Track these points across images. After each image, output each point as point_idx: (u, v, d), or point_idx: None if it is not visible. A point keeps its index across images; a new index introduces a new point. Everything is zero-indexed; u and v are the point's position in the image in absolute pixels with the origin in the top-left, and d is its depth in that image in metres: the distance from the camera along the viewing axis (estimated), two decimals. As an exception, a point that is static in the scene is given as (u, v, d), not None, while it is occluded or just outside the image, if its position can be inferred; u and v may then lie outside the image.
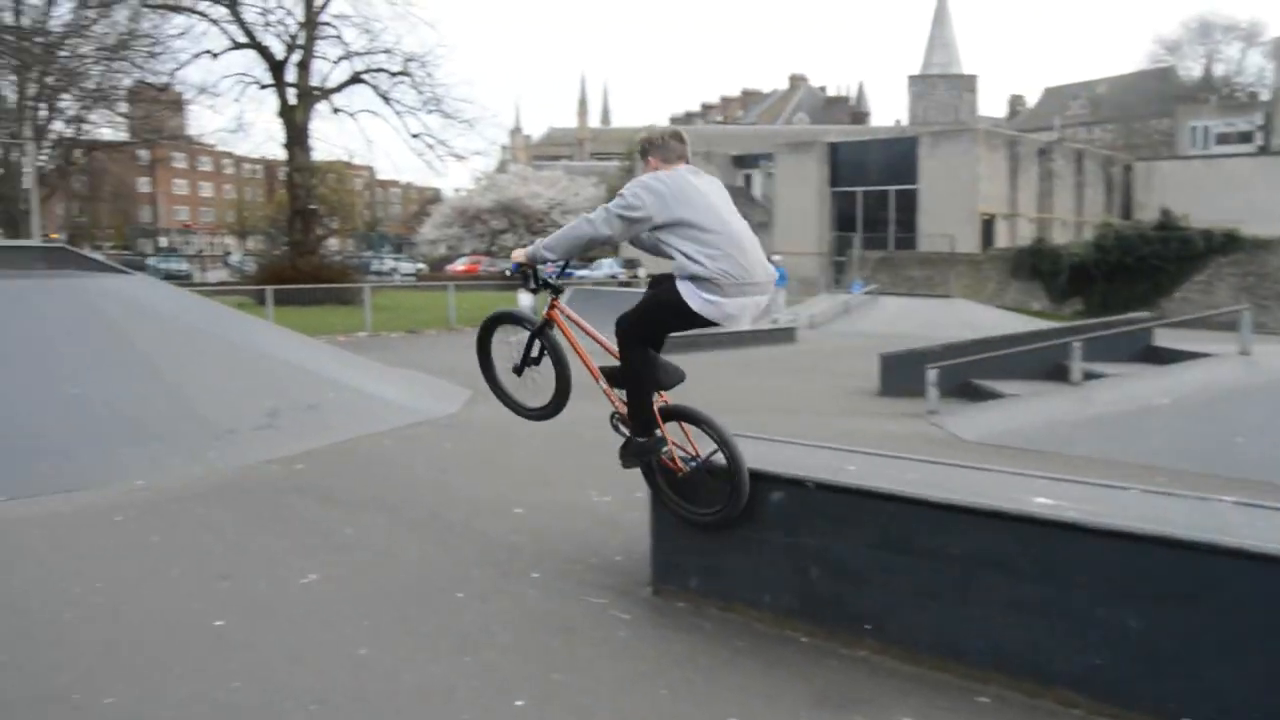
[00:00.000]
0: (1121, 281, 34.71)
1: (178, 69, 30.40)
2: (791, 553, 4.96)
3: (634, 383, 4.93)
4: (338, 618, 4.95)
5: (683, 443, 5.10)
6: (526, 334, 5.36)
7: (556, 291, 5.20)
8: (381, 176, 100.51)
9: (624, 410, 5.09)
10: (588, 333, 5.22)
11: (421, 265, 64.53)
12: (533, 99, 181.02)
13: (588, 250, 4.99)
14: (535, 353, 5.38)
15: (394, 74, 31.25)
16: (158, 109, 37.74)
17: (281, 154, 32.49)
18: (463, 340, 21.84)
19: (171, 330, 10.80)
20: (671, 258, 4.59)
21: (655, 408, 4.99)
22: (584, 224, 4.63)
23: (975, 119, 66.94)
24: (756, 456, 5.35)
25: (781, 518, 4.98)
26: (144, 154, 61.32)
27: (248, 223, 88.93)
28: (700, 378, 15.07)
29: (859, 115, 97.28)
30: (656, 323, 4.86)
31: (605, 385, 5.13)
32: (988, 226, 47.10)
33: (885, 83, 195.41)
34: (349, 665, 4.38)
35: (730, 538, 5.15)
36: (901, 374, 14.42)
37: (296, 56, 30.46)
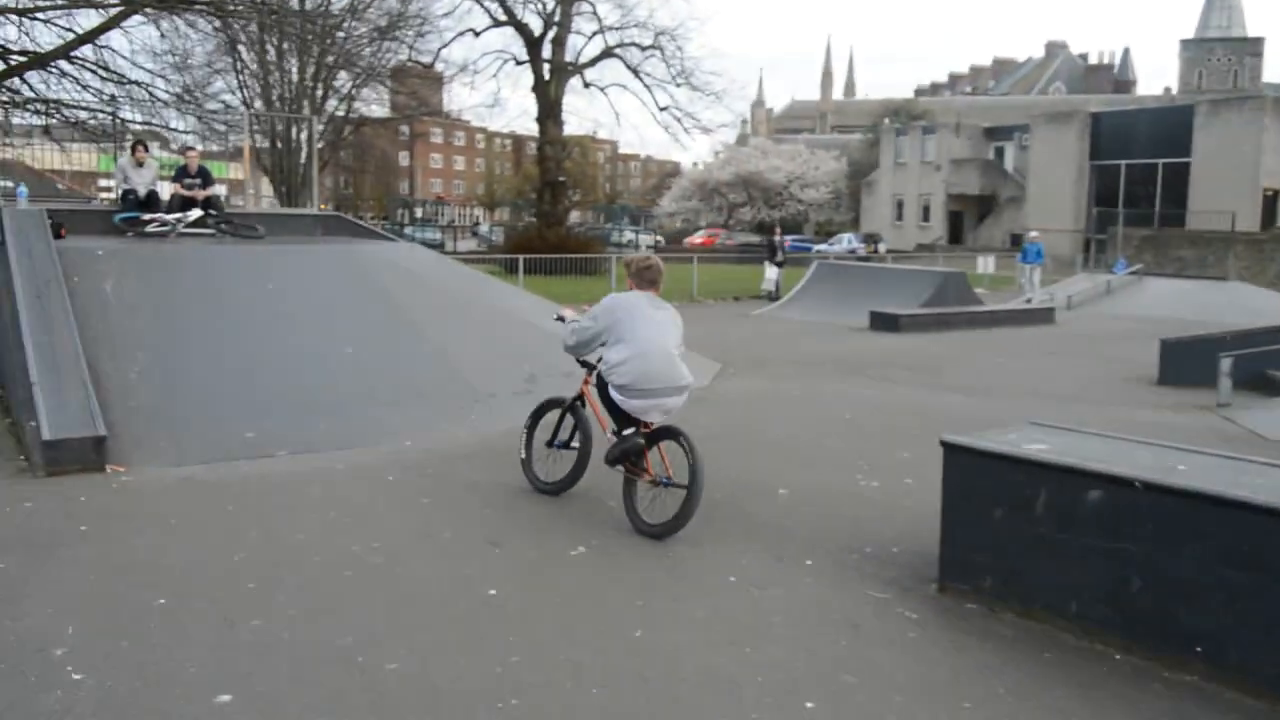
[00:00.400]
0: None
1: (443, 47, 31.64)
2: (1109, 559, 4.40)
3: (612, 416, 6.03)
4: (610, 595, 4.79)
5: (658, 464, 5.84)
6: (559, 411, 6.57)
7: (591, 368, 6.28)
8: (622, 151, 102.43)
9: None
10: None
11: (659, 237, 65.10)
12: (775, 71, 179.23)
13: (581, 352, 6.27)
14: (567, 435, 6.47)
15: (645, 48, 31.44)
16: (423, 85, 39.60)
17: (532, 128, 33.43)
18: (706, 313, 21.77)
19: (436, 295, 11.11)
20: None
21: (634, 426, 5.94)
22: (569, 335, 6.18)
23: (1259, 86, 61.18)
24: (1065, 449, 4.81)
25: (1099, 520, 4.43)
26: (404, 129, 64.69)
27: (496, 195, 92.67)
28: (960, 358, 14.42)
29: (1123, 84, 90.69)
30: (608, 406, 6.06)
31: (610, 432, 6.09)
32: (1270, 203, 42.89)
33: (1154, 48, 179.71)
34: (626, 647, 4.19)
35: (1034, 537, 4.65)
36: (1184, 362, 13.16)
37: (552, 33, 31.11)
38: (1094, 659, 4.28)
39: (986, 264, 32.73)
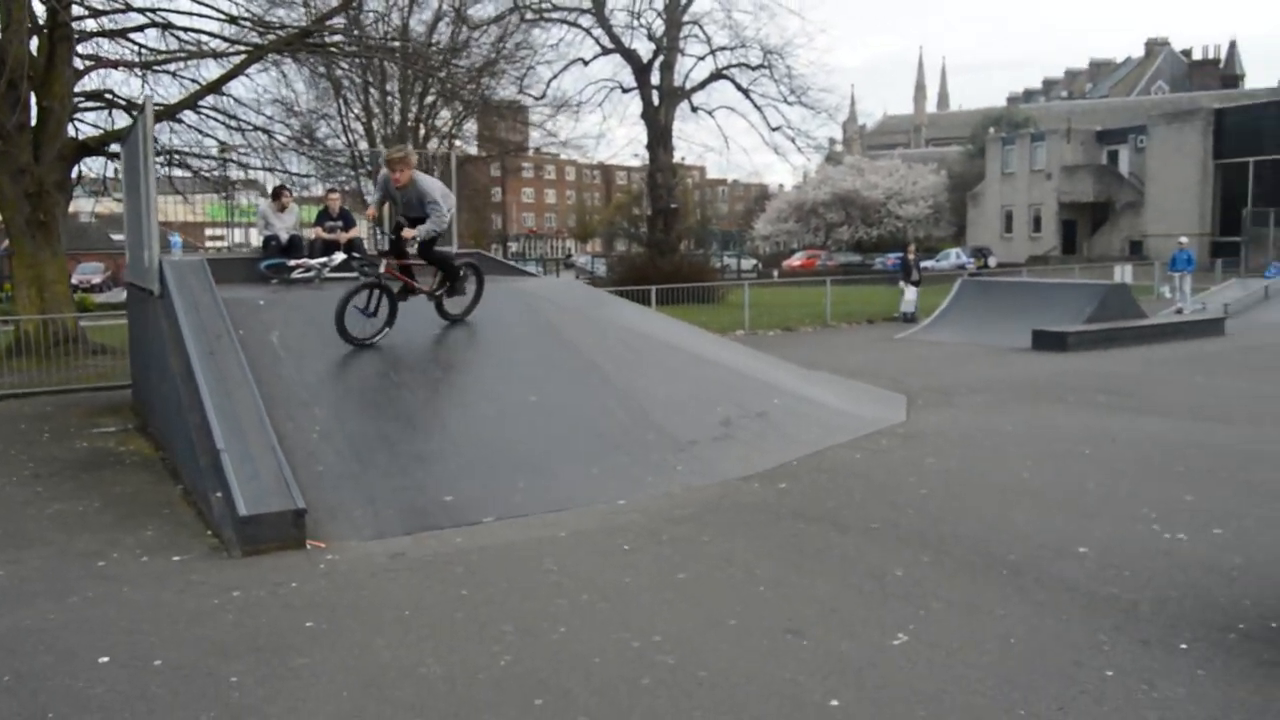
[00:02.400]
0: None
1: (553, 78, 31.15)
2: None
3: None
4: (974, 701, 3.86)
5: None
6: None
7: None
8: (710, 176, 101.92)
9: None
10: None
11: (757, 261, 63.92)
12: (863, 86, 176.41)
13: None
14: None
15: (754, 67, 30.60)
16: (519, 119, 39.37)
17: (630, 158, 32.91)
18: (847, 338, 20.73)
19: (607, 331, 10.33)
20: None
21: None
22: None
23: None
24: None
25: None
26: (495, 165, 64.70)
27: (588, 226, 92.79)
28: (1156, 379, 13.21)
29: (1230, 79, 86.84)
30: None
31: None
32: None
33: (1262, 40, 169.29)
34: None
35: None
36: None
37: (661, 58, 30.46)
38: None
39: (1124, 273, 31.04)
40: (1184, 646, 4.40)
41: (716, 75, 31.20)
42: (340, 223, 13.04)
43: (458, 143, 40.05)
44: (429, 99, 36.61)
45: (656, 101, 30.48)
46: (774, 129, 32.18)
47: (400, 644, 4.55)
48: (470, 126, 41.83)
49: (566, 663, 4.28)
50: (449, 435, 7.80)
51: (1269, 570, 5.42)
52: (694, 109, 31.60)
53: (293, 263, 12.29)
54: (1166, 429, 9.59)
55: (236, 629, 4.82)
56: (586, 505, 6.95)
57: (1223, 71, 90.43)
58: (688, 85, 31.36)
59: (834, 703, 3.84)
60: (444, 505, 6.85)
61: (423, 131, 37.55)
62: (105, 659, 4.49)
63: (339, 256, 12.57)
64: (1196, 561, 5.59)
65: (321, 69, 26.87)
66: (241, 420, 7.10)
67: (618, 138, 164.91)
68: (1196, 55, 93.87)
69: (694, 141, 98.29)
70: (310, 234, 13.15)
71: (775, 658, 4.30)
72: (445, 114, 37.65)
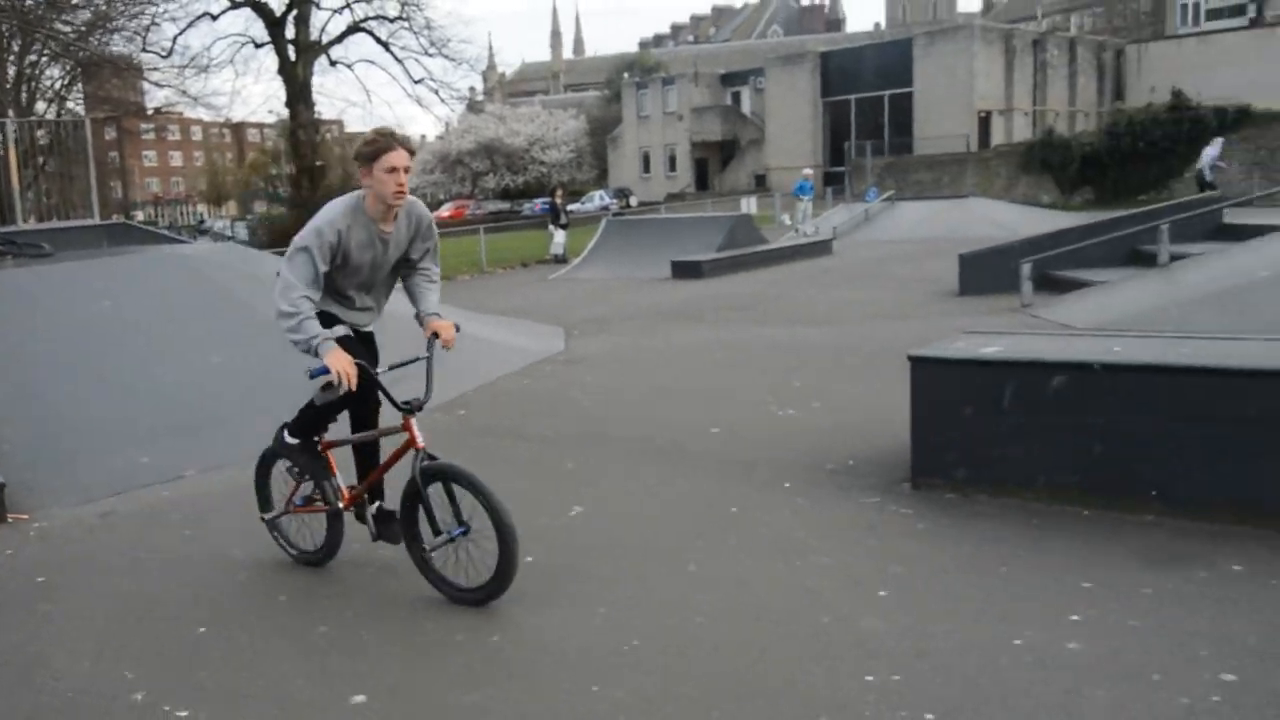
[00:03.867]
0: (1133, 167, 34.57)
1: (179, 34, 29.54)
2: (1074, 432, 4.99)
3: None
4: (636, 544, 4.97)
5: None
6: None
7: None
8: (349, 130, 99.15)
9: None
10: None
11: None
12: (501, 33, 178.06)
13: None
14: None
15: (392, 20, 30.65)
16: (132, 78, 36.91)
17: (266, 116, 31.95)
18: (505, 281, 21.76)
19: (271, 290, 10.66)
20: None
21: None
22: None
23: (955, 16, 66.40)
24: (1018, 348, 5.42)
25: (1063, 401, 5.00)
26: (111, 128, 59.85)
27: (222, 189, 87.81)
28: (777, 295, 15.27)
29: (833, 23, 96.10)
30: None
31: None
32: (984, 124, 46.93)
33: None
34: (694, 583, 4.42)
35: (1003, 427, 5.20)
36: (979, 273, 14.41)
37: (294, 11, 29.73)
38: (1069, 518, 4.92)
39: (749, 205, 34.23)
40: (788, 485, 5.77)
41: (354, 28, 30.99)
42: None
43: (69, 104, 37.03)
44: (31, 57, 33.62)
45: (293, 56, 29.83)
46: (416, 81, 32.57)
47: (139, 580, 5.02)
48: (89, 87, 38.80)
49: (299, 572, 4.97)
50: (138, 400, 7.99)
51: (850, 428, 6.99)
52: (333, 63, 31.29)
53: (-84, 245, 11.53)
54: (781, 334, 11.37)
55: (-37, 593, 5.06)
56: (285, 448, 7.48)
57: (828, 16, 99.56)
58: (325, 39, 30.96)
59: (529, 559, 4.80)
60: (142, 465, 7.13)
61: (25, 94, 34.40)
62: None
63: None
64: (800, 428, 7.09)
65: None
66: (-89, 406, 6.99)
67: (253, 95, 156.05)
68: (805, 1, 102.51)
69: (335, 96, 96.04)
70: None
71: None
72: (54, 73, 34.74)
